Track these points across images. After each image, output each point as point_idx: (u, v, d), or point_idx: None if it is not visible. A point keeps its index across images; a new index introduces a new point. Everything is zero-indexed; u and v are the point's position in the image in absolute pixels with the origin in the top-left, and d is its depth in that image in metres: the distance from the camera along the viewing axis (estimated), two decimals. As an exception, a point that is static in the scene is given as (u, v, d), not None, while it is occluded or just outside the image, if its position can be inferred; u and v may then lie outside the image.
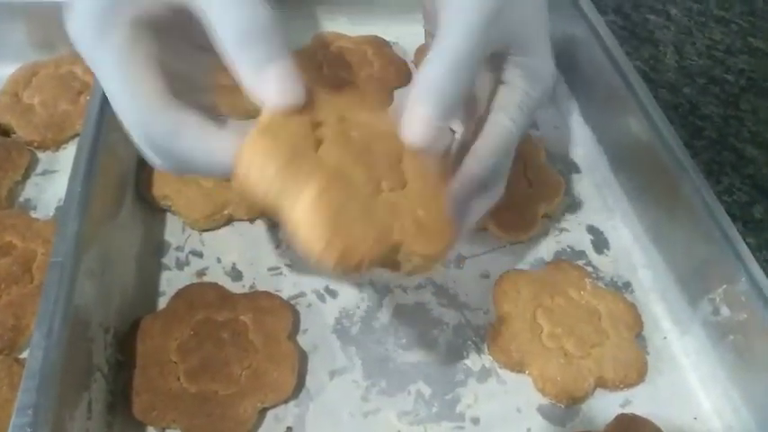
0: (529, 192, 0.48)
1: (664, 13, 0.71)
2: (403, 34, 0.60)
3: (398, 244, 0.27)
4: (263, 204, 0.26)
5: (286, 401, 0.37)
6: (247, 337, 0.37)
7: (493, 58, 0.33)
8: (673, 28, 0.70)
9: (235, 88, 0.53)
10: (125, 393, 0.35)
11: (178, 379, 0.36)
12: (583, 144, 0.53)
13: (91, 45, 0.28)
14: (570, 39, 0.56)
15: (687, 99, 0.61)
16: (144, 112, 0.28)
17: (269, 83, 0.27)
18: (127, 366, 0.37)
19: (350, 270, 0.26)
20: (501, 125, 0.33)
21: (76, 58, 0.53)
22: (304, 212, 0.25)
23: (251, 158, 0.26)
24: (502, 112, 0.33)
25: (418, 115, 0.29)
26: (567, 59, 0.57)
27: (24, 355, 0.38)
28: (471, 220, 0.35)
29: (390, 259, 0.28)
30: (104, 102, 0.42)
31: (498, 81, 0.34)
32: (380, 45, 0.58)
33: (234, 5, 0.27)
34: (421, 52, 0.58)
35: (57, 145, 0.49)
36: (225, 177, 0.28)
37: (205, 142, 0.28)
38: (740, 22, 0.72)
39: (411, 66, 0.58)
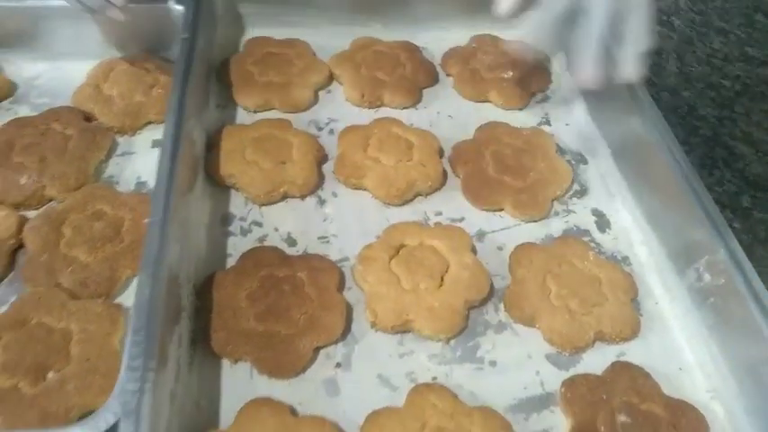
0: (542, 178, 0.55)
1: (668, 24, 0.78)
2: (431, 40, 0.67)
3: (411, 321, 0.44)
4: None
5: (335, 342, 0.44)
6: (304, 290, 0.45)
7: None
8: (675, 37, 0.76)
9: (285, 85, 0.62)
10: (204, 333, 0.43)
11: (248, 320, 0.43)
12: (589, 138, 0.60)
13: None
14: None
15: (686, 102, 0.68)
16: None
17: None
18: (203, 311, 0.44)
19: (383, 329, 0.45)
20: None
21: (147, 56, 0.62)
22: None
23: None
24: None
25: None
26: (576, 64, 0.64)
27: (117, 300, 0.45)
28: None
29: (409, 327, 0.45)
30: (182, 94, 0.49)
31: None
32: (412, 49, 0.65)
33: None
34: (448, 56, 0.65)
35: (133, 131, 0.57)
36: None
37: None
38: (738, 32, 0.78)
39: (438, 68, 0.65)
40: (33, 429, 0.37)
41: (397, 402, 0.41)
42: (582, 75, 0.48)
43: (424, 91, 0.63)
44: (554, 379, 0.44)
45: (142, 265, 0.39)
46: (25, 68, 0.61)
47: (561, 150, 0.59)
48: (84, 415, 0.39)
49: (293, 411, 0.40)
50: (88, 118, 0.57)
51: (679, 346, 0.47)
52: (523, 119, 0.61)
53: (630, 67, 0.47)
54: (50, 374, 0.40)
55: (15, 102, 0.59)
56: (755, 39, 0.77)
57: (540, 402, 0.43)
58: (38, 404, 0.39)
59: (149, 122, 0.58)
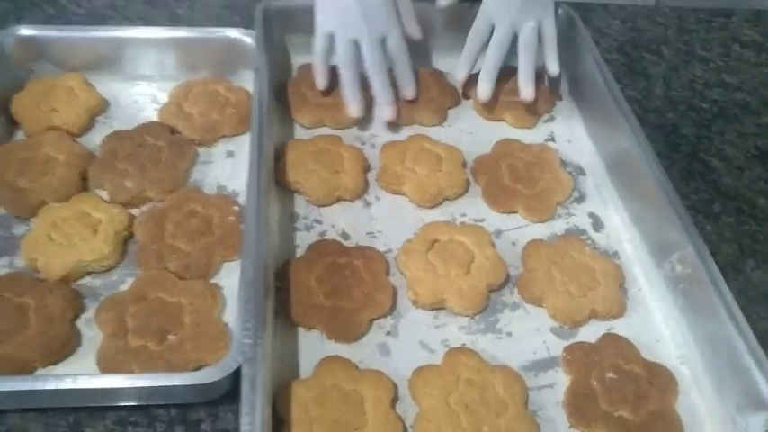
0: (548, 187, 0.67)
1: (657, 53, 0.90)
2: (454, 67, 0.79)
3: (445, 299, 0.56)
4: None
5: (385, 316, 0.56)
6: (360, 274, 0.57)
7: None
8: (663, 65, 0.88)
9: (335, 105, 0.73)
10: (284, 307, 0.55)
11: (318, 297, 0.55)
12: (587, 154, 0.72)
13: None
14: (581, 74, 0.75)
15: (670, 122, 0.80)
16: None
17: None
18: (281, 291, 0.56)
19: (422, 306, 0.57)
20: None
21: (218, 79, 0.73)
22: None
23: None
24: None
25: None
26: (577, 90, 0.77)
27: (213, 281, 0.57)
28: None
29: (443, 305, 0.57)
30: (261, 114, 0.61)
31: None
32: (438, 75, 0.77)
33: None
34: (468, 82, 0.77)
35: (210, 143, 0.69)
36: None
37: None
38: (718, 61, 0.90)
39: (459, 91, 0.77)
40: (173, 373, 0.48)
41: (435, 362, 0.53)
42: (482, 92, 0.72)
43: (449, 111, 0.75)
44: (557, 346, 0.56)
45: (244, 252, 0.51)
46: (114, 87, 0.73)
47: (564, 164, 0.71)
48: (198, 367, 0.51)
49: (356, 367, 0.52)
50: (173, 131, 0.69)
51: (656, 323, 0.58)
52: (532, 136, 0.73)
53: (552, 65, 0.72)
54: (170, 337, 0.52)
55: (108, 117, 0.71)
56: (732, 67, 0.89)
57: (546, 364, 0.55)
58: (163, 358, 0.50)
59: (223, 136, 0.69)
